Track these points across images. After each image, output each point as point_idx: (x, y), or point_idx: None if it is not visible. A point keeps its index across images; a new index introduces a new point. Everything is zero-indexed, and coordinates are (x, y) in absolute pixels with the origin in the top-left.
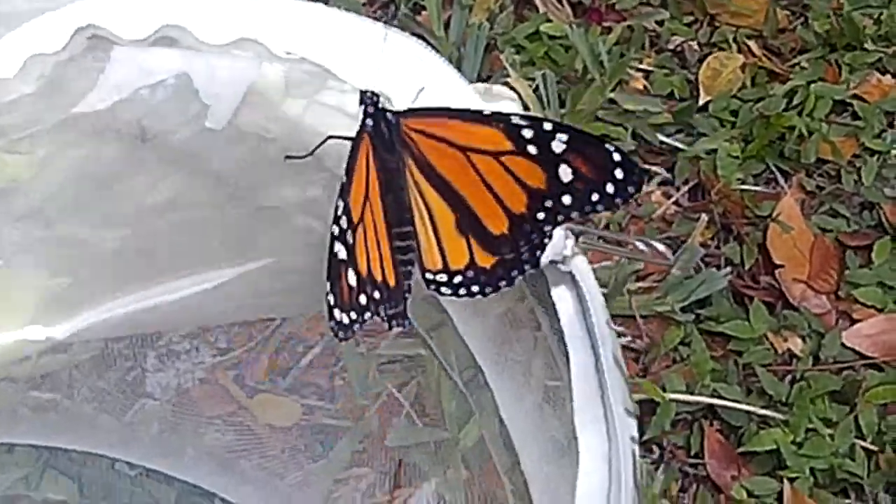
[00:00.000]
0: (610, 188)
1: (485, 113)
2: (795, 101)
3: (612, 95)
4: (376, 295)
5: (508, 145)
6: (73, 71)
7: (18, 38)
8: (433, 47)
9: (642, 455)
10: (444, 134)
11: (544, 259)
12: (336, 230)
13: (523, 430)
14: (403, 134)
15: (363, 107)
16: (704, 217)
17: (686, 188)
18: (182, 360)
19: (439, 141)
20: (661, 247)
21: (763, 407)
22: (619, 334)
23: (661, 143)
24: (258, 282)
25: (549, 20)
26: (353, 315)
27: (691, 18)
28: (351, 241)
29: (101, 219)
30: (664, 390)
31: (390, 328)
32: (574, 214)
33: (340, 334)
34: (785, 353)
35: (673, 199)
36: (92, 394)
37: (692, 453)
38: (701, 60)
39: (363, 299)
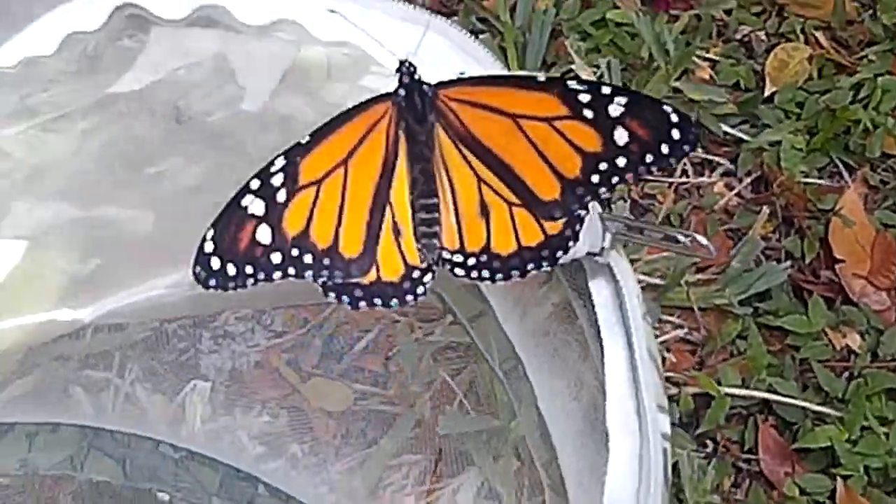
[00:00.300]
0: (665, 149)
1: (539, 78)
2: (862, 95)
3: (676, 84)
4: (325, 261)
5: (564, 110)
6: (111, 50)
7: (57, 17)
8: (498, 32)
9: (695, 449)
10: (491, 101)
11: (577, 254)
12: (256, 184)
13: (560, 424)
14: (441, 104)
15: (399, 75)
16: (766, 209)
17: (749, 180)
18: (237, 341)
19: (484, 109)
20: (703, 240)
21: (819, 403)
22: (676, 326)
23: (725, 133)
24: None
25: (615, 7)
26: (248, 269)
27: (759, 8)
28: (283, 199)
29: (134, 200)
30: (720, 384)
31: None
32: (628, 175)
33: (210, 282)
34: (843, 349)
35: (735, 191)
36: (144, 374)
37: (746, 448)
38: (768, 51)
39: (277, 258)
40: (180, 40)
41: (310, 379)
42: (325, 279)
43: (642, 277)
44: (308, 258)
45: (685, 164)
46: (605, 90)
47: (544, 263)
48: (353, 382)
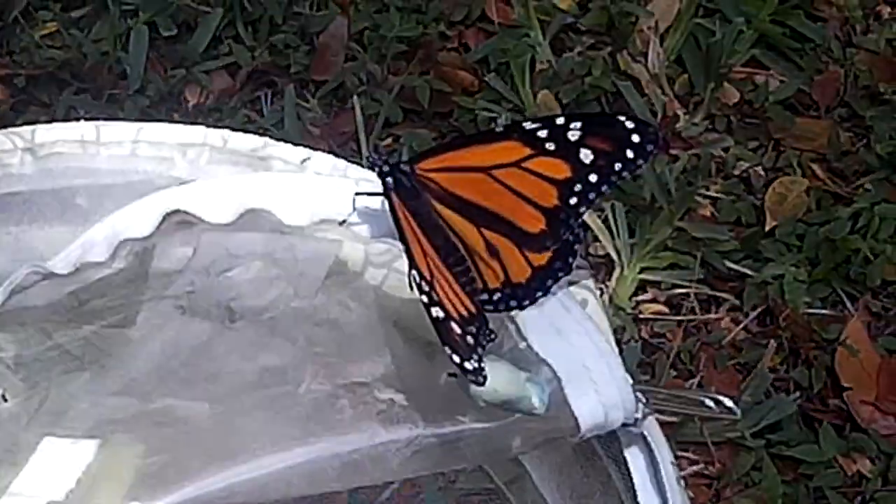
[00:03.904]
0: (630, 153)
1: (496, 130)
2: (860, 224)
3: (680, 224)
4: (473, 329)
5: (527, 150)
6: (163, 254)
7: (110, 224)
8: None
9: None
10: (462, 163)
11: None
12: (425, 299)
13: None
14: (420, 178)
15: (376, 171)
16: (773, 343)
17: (755, 314)
18: None
19: (458, 171)
20: (728, 402)
21: None
22: (692, 461)
23: (729, 269)
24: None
25: None
26: (475, 357)
27: (756, 143)
28: (437, 297)
29: (194, 395)
30: None
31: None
32: (604, 188)
33: (480, 380)
34: (854, 474)
35: (742, 325)
36: None
37: None
38: (767, 185)
39: (470, 340)
40: (228, 243)
41: None
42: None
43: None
44: (473, 328)
45: (692, 301)
46: (560, 120)
47: (560, 274)
48: None
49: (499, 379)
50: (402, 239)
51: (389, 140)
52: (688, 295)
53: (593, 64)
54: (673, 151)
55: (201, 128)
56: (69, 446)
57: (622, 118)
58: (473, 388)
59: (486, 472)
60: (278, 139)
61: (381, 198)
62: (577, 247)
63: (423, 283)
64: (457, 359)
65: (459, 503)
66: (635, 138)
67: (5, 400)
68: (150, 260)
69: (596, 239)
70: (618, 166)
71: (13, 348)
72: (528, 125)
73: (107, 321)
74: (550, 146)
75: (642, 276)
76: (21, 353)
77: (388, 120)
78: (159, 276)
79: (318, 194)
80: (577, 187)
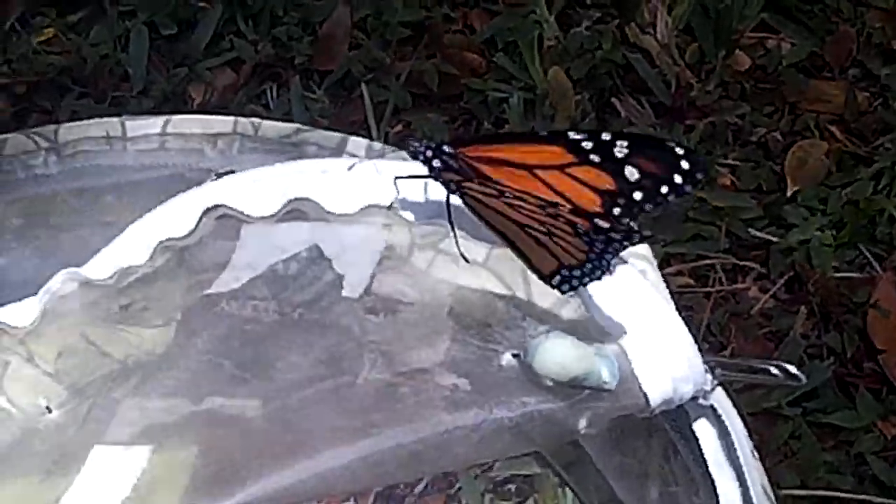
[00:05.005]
0: (678, 178)
1: (541, 134)
2: (882, 183)
3: (701, 194)
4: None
5: (571, 158)
6: (205, 251)
7: (148, 223)
8: None
9: None
10: (505, 156)
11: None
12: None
13: None
14: (465, 162)
15: (420, 160)
16: (803, 310)
17: (782, 281)
18: None
19: (502, 164)
20: (793, 369)
21: (877, 495)
22: None
23: (754, 237)
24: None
25: (631, 123)
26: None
27: (771, 109)
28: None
29: (246, 393)
30: (779, 487)
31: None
32: (648, 207)
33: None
34: (894, 438)
35: (770, 293)
36: None
37: None
38: (785, 150)
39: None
40: (273, 235)
41: None
42: None
43: None
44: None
45: (718, 272)
46: (605, 136)
47: (616, 246)
48: None
49: (566, 354)
50: (479, 207)
51: (400, 126)
52: (713, 266)
53: (602, 38)
54: (688, 121)
55: (231, 117)
56: (121, 453)
57: (672, 143)
58: (538, 366)
59: (530, 457)
60: None
61: (423, 184)
62: (625, 237)
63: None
64: (620, 243)
65: (495, 490)
66: (684, 164)
67: (49, 411)
68: (192, 257)
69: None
70: (664, 189)
71: (54, 357)
72: (572, 135)
73: (150, 322)
74: (595, 158)
75: (666, 248)
76: (63, 361)
77: (398, 106)
78: (202, 273)
79: (361, 179)
80: (621, 200)
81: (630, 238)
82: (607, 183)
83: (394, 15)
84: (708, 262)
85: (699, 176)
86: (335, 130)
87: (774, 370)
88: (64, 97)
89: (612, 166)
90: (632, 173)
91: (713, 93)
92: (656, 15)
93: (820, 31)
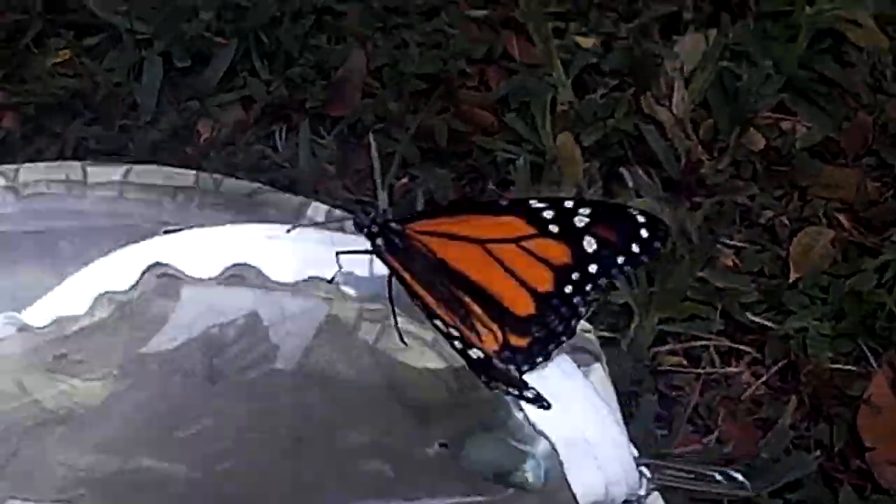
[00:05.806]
0: (636, 248)
1: (501, 203)
2: (886, 277)
3: (701, 274)
4: (511, 355)
5: (529, 230)
6: (143, 309)
7: (89, 275)
8: None
9: None
10: (457, 231)
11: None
12: (459, 345)
13: None
14: (411, 239)
15: (364, 232)
16: (794, 399)
17: (776, 368)
18: None
19: (451, 238)
20: (739, 476)
21: None
22: None
23: (751, 321)
24: None
25: (638, 195)
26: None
27: (781, 192)
28: (468, 339)
29: (170, 457)
30: None
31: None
32: (601, 281)
33: (546, 405)
34: None
35: (763, 379)
36: None
37: None
38: (792, 235)
39: (514, 369)
40: (212, 299)
41: None
42: None
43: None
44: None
45: (711, 354)
46: (568, 204)
47: (563, 338)
48: None
49: (494, 450)
50: (412, 293)
51: (406, 179)
52: (707, 347)
53: (616, 106)
54: (696, 198)
55: (192, 171)
56: None
57: (634, 211)
58: (464, 459)
59: None
60: (292, 176)
61: (368, 259)
62: (563, 338)
63: (451, 330)
64: (515, 391)
65: None
66: (644, 233)
67: None
68: (131, 313)
69: (614, 287)
70: (620, 259)
71: None
72: (533, 203)
73: (85, 374)
74: (554, 228)
75: (661, 326)
76: None
77: (405, 159)
78: (140, 330)
79: (308, 250)
80: (575, 276)
81: (568, 332)
82: (563, 257)
83: (410, 65)
84: (702, 342)
85: (657, 245)
86: (341, 178)
87: (719, 477)
88: (73, 121)
89: (571, 237)
90: (590, 243)
91: (724, 171)
92: (673, 87)
93: (837, 116)
